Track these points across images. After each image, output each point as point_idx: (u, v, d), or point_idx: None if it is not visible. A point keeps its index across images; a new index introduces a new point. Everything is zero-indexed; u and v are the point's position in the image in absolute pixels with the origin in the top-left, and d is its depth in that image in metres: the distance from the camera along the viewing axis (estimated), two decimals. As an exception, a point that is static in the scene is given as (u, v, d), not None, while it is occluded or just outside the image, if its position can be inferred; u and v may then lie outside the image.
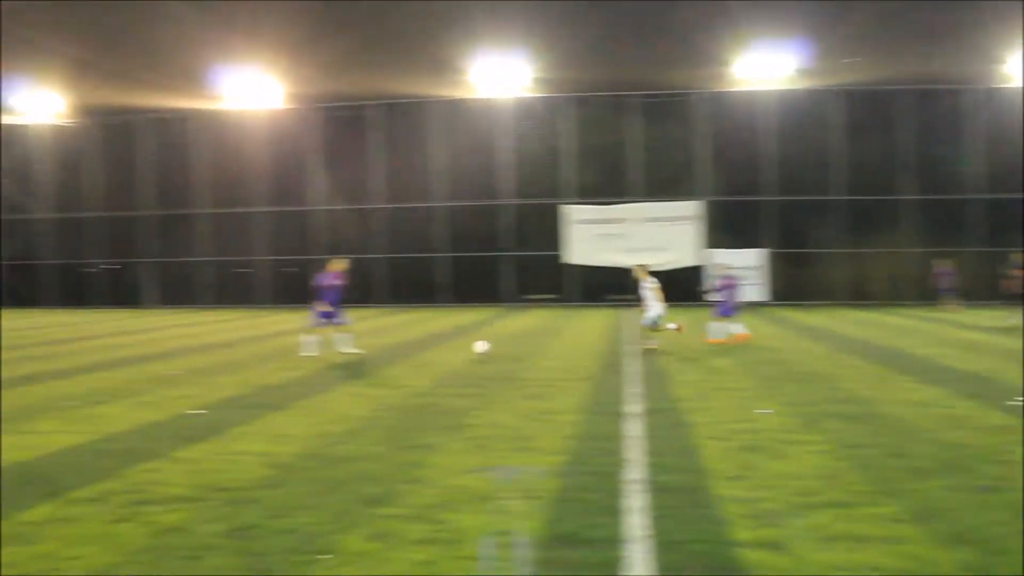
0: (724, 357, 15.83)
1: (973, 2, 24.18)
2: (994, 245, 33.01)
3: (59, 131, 40.06)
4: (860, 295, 34.91)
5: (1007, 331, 20.18)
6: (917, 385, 11.97)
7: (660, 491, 6.47)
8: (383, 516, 5.92)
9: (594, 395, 11.31)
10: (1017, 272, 23.26)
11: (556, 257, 36.37)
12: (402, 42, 28.70)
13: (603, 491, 6.50)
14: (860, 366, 14.38)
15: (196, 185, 39.21)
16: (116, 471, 7.25)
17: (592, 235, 35.98)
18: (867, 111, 35.28)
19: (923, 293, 32.87)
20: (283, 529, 5.62)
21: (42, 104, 37.10)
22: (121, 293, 40.17)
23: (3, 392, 12.07)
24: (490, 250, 36.87)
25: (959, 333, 20.09)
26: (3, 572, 5.06)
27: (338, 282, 16.29)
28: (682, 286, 34.53)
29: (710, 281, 20.48)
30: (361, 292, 36.14)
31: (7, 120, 39.04)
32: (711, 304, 20.29)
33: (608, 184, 36.41)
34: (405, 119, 37.34)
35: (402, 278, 37.53)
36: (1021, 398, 10.64)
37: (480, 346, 15.86)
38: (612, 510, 6.01)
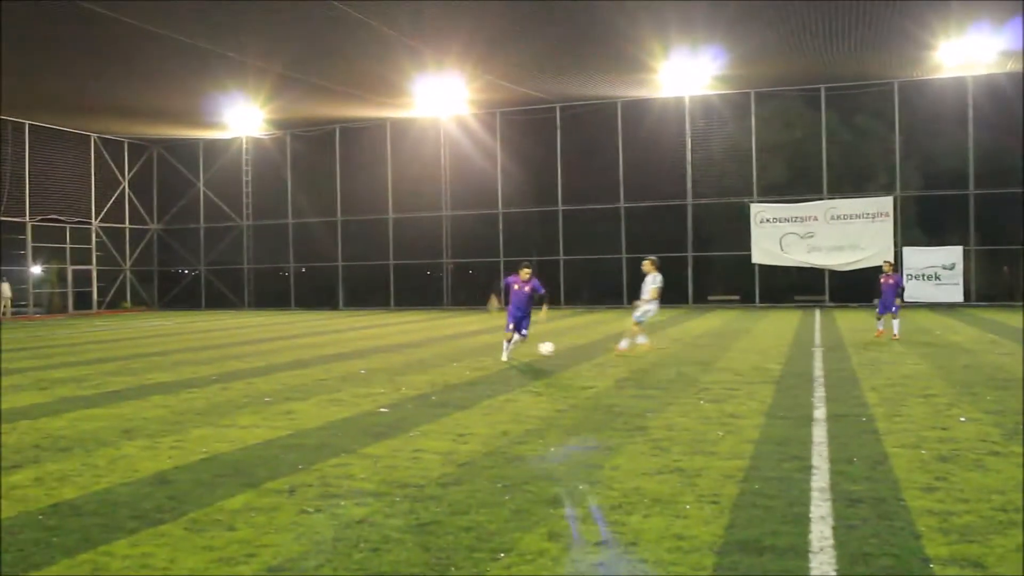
0: (919, 362, 15.06)
1: None
2: None
3: (259, 143, 42.72)
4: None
5: None
6: None
7: (847, 501, 6.24)
8: (561, 516, 5.98)
9: (778, 399, 11.02)
10: None
11: (742, 257, 35.63)
12: (587, 43, 28.82)
13: (787, 498, 6.33)
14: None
15: (387, 191, 40.88)
16: (308, 465, 7.65)
17: (779, 234, 35.02)
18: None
19: None
20: (463, 526, 5.77)
21: (246, 118, 39.53)
22: (317, 295, 42.35)
23: (205, 389, 12.94)
24: (674, 250, 36.54)
25: None
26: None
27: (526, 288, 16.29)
28: (874, 286, 33.28)
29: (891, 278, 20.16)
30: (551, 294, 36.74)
31: (216, 135, 41.96)
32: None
33: (797, 181, 35.37)
34: (589, 121, 37.57)
35: (585, 280, 37.93)
36: None
37: (545, 348, 15.72)
38: (796, 518, 5.84)
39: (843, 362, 15.12)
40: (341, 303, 41.75)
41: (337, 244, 41.87)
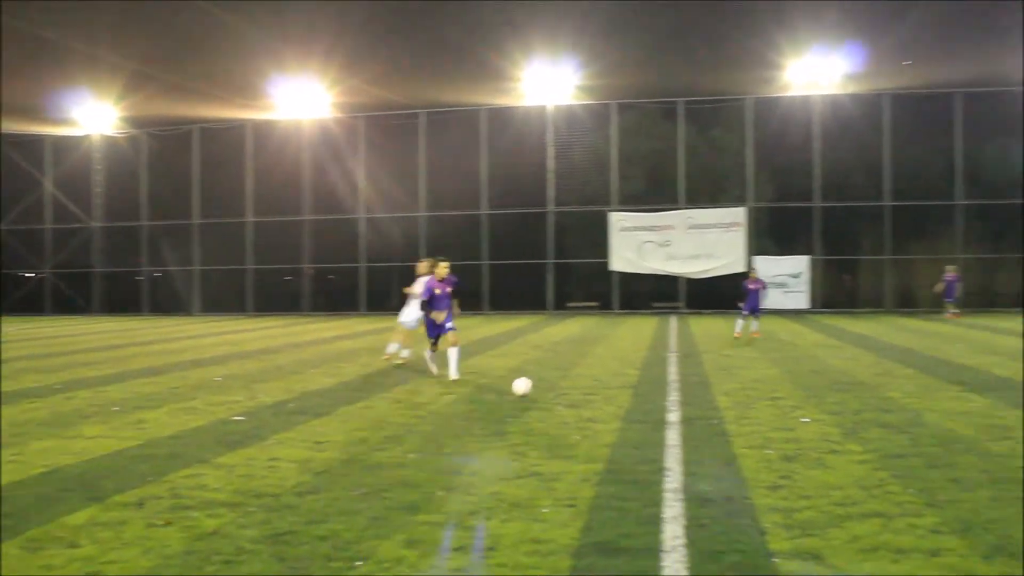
0: (768, 367, 15.70)
1: None
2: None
3: (112, 142, 41.01)
4: (907, 302, 34.48)
5: None
6: (963, 394, 11.78)
7: (698, 501, 6.44)
8: (419, 523, 5.96)
9: (634, 403, 11.29)
10: None
11: (600, 265, 36.34)
12: (450, 50, 28.88)
13: (641, 500, 6.48)
14: (905, 374, 14.18)
15: (244, 193, 39.88)
16: (158, 476, 7.38)
17: (637, 243, 35.91)
18: (916, 115, 34.86)
19: (973, 300, 32.49)
20: (320, 535, 5.68)
21: (96, 116, 37.84)
22: (168, 301, 40.90)
23: (49, 398, 12.32)
24: (533, 258, 36.96)
25: (1007, 341, 19.71)
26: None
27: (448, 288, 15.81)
28: (727, 293, 34.53)
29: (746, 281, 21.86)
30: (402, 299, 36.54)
31: (64, 132, 40.03)
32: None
33: (654, 191, 36.38)
34: (453, 127, 37.64)
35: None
36: (1072, 408, 10.45)
37: (520, 385, 11.87)
38: (650, 519, 5.99)
39: (697, 367, 15.61)
40: (196, 309, 40.45)
41: (193, 247, 40.54)
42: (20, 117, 37.54)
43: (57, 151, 42.17)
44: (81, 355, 19.63)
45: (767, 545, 5.40)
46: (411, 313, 16.12)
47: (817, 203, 35.35)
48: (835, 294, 35.91)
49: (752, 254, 34.92)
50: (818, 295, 35.17)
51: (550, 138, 36.90)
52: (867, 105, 34.85)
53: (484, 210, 37.45)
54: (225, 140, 39.93)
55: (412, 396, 12.20)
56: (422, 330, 14.89)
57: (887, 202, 35.05)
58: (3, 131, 39.76)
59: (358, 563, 5.14)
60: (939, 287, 30.73)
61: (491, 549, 5.38)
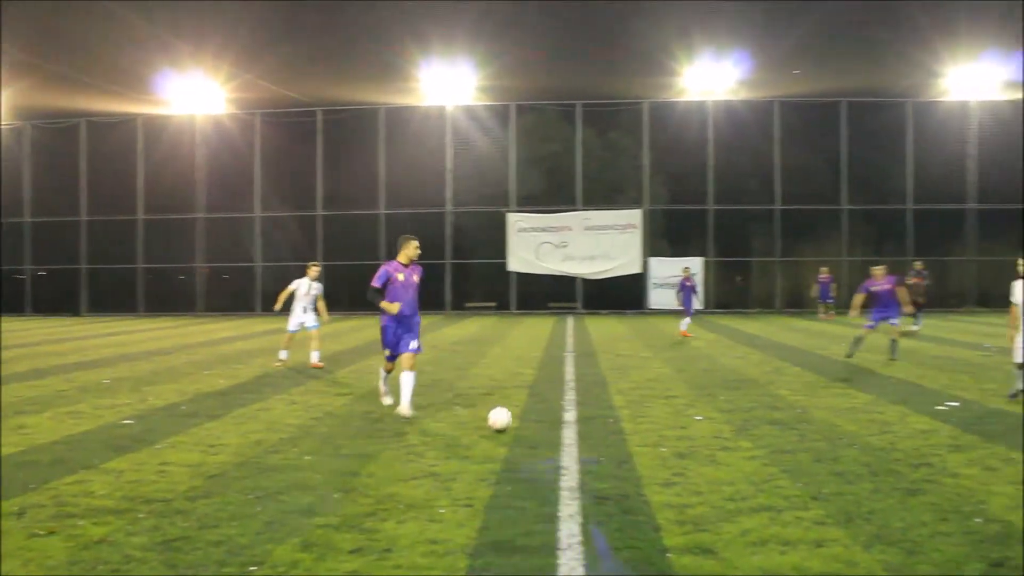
0: (662, 366, 15.99)
1: (912, 18, 24.79)
2: (930, 254, 34.04)
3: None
4: (797, 303, 35.58)
5: (913, 336, 21.12)
6: (848, 391, 12.21)
7: (594, 499, 6.51)
8: (315, 526, 5.87)
9: (531, 403, 11.35)
10: (915, 280, 24.11)
11: (498, 265, 36.46)
12: (348, 48, 28.59)
13: (538, 499, 6.52)
14: (794, 373, 14.63)
15: (136, 191, 38.65)
16: (40, 483, 7.07)
17: (535, 243, 36.16)
18: (805, 122, 36.09)
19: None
20: (213, 541, 5.54)
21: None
22: (54, 300, 39.34)
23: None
24: (431, 258, 36.83)
25: (884, 340, 20.50)
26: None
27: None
28: (624, 294, 35.09)
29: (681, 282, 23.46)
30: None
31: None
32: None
33: (552, 192, 36.69)
34: (352, 126, 37.24)
35: (341, 286, 37.36)
36: (948, 403, 10.94)
37: (499, 419, 9.25)
38: (547, 517, 6.03)
39: (593, 367, 15.79)
40: (84, 309, 39.02)
41: (81, 245, 39.08)
42: None
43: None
44: (-44, 357, 18.73)
45: (661, 541, 5.50)
46: (295, 319, 15.93)
47: (711, 206, 36.21)
48: (727, 295, 36.85)
49: (648, 256, 35.56)
50: (711, 296, 36.00)
51: (449, 138, 36.86)
52: (759, 111, 35.90)
53: (383, 209, 37.16)
54: (114, 134, 38.61)
55: (308, 397, 12.02)
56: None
57: (777, 206, 36.16)
58: None
59: (252, 568, 5.03)
60: (814, 289, 31.76)
61: (387, 551, 5.34)
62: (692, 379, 13.85)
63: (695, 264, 35.65)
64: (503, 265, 36.38)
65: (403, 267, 10.48)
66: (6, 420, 10.22)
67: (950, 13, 24.25)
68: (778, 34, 26.18)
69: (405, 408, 10.26)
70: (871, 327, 16.60)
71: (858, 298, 16.89)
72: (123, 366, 16.49)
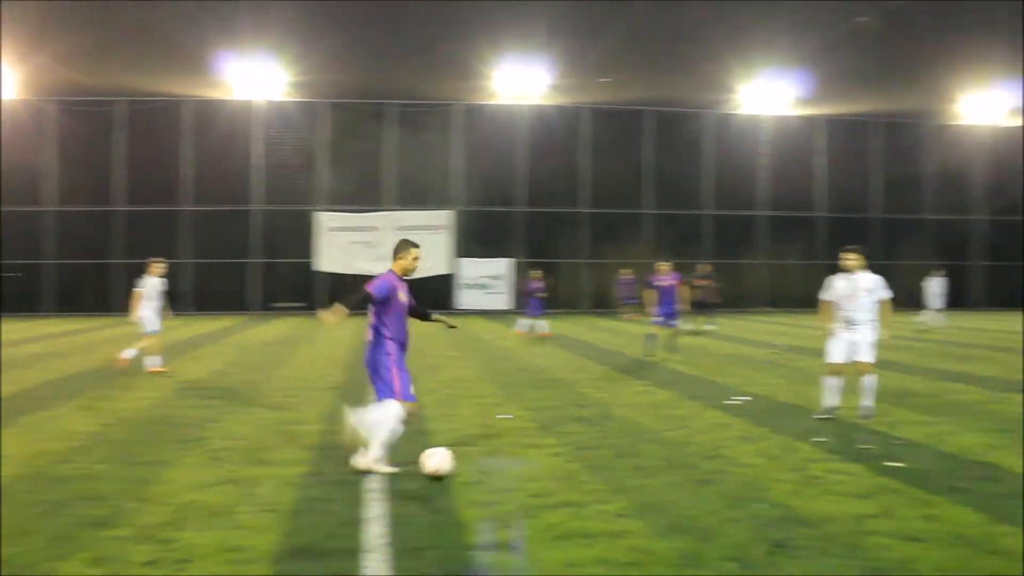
0: (471, 366, 16.12)
1: (708, 36, 26.11)
2: (726, 257, 36.08)
3: None
4: (603, 304, 36.70)
5: (705, 335, 22.44)
6: (648, 388, 12.72)
7: (401, 499, 6.48)
8: (107, 539, 5.56)
9: (339, 405, 11.17)
10: (702, 281, 25.54)
11: (307, 265, 35.77)
12: (150, 37, 27.28)
13: (344, 501, 6.43)
14: (598, 371, 15.10)
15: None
16: None
17: (344, 243, 35.68)
18: (612, 128, 37.41)
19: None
20: (-13, 558, 5.16)
21: None
22: None
23: None
24: (237, 257, 35.74)
25: (684, 340, 21.52)
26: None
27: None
28: (434, 295, 35.16)
29: (525, 283, 23.99)
30: (95, 300, 34.08)
31: None
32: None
33: (363, 192, 36.32)
34: (154, 118, 35.50)
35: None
36: (740, 398, 11.58)
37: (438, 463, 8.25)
38: (353, 520, 5.95)
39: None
40: None
41: None
42: None
43: None
44: None
45: (468, 539, 5.54)
46: (152, 319, 14.85)
47: (521, 208, 36.89)
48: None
49: (458, 256, 35.81)
50: (520, 297, 36.64)
51: (258, 134, 35.83)
52: (569, 117, 36.89)
53: (187, 206, 35.67)
54: None
55: (102, 402, 11.36)
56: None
57: (584, 209, 37.26)
58: None
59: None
60: (616, 289, 32.85)
61: (185, 561, 5.12)
62: (500, 378, 14.04)
63: (504, 265, 36.26)
64: (311, 264, 35.70)
65: (402, 282, 8.06)
66: None
67: (742, 31, 25.67)
68: (587, 42, 26.96)
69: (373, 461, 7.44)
70: (660, 323, 17.41)
71: (648, 294, 17.70)
72: None
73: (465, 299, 35.85)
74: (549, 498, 6.52)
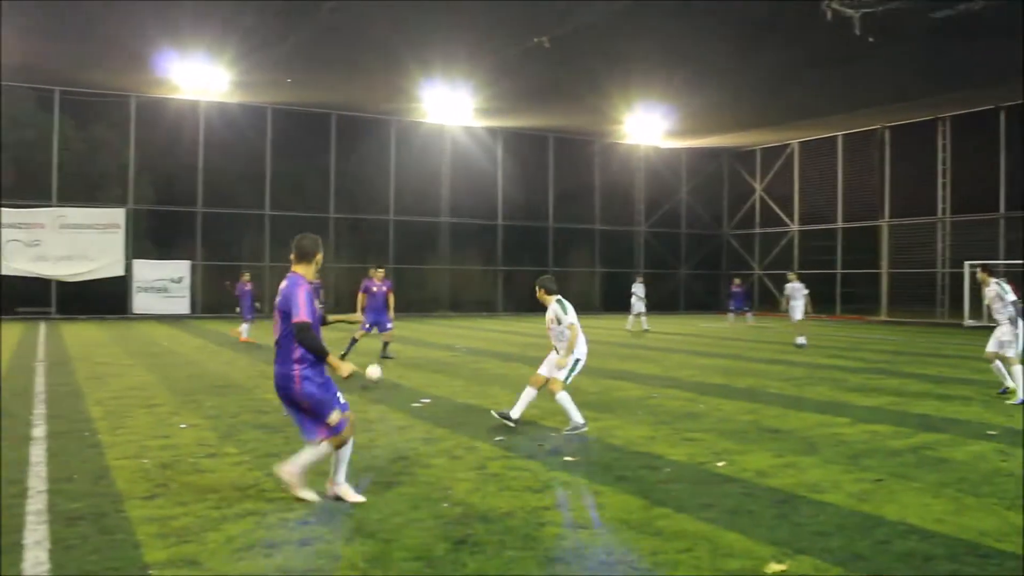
0: (144, 373, 15.30)
1: (391, 42, 26.36)
2: (409, 263, 36.65)
3: None
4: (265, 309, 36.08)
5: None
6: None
7: (66, 520, 6.02)
8: None
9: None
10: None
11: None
12: None
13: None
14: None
15: None
16: None
17: (3, 241, 32.28)
18: (298, 129, 36.92)
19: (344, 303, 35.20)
20: None
21: None
22: None
23: None
24: None
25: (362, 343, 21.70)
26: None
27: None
28: (106, 297, 32.94)
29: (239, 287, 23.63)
30: None
31: None
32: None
33: (23, 186, 33.00)
34: None
35: None
36: (422, 400, 11.86)
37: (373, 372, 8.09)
38: (10, 547, 5.44)
39: (68, 376, 14.61)
40: None
41: None
42: None
43: None
44: None
45: (142, 557, 5.26)
46: None
47: (200, 208, 35.36)
48: (217, 299, 36.17)
49: (131, 258, 33.71)
50: (199, 300, 35.20)
51: None
52: (253, 116, 35.85)
53: None
54: None
55: None
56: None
57: (268, 211, 36.41)
58: None
59: None
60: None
61: None
62: (176, 386, 13.42)
63: (182, 268, 34.64)
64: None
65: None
66: None
67: (424, 40, 26.23)
68: (272, 41, 26.30)
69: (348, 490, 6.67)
70: (367, 330, 17.45)
71: (362, 298, 17.64)
72: None
73: (141, 303, 33.77)
74: (229, 509, 6.34)
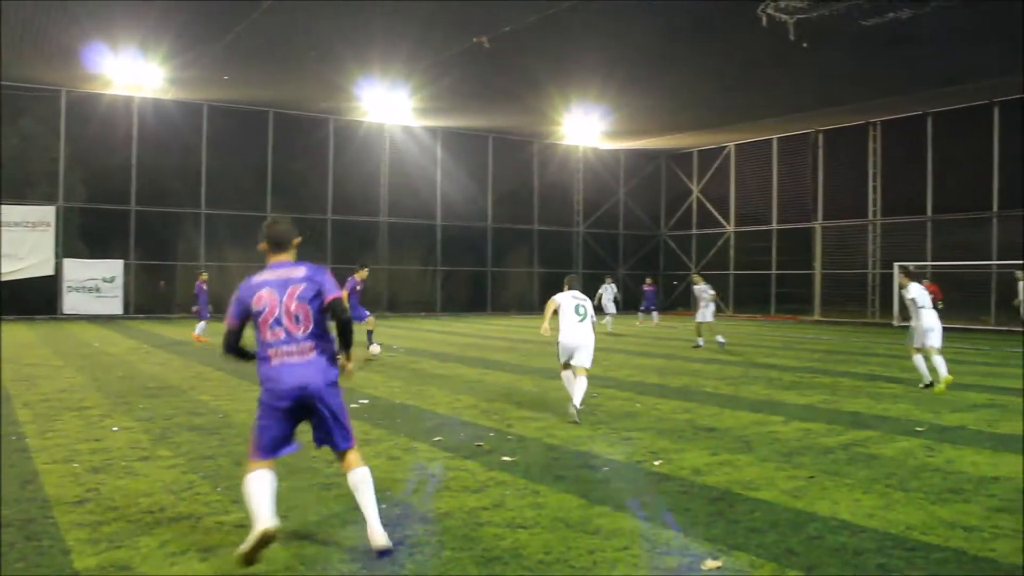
0: (75, 375, 14.96)
1: (330, 41, 26.12)
2: (348, 262, 36.41)
3: None
4: (219, 308, 35.58)
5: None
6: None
7: (-9, 525, 5.87)
8: None
9: None
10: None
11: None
12: None
13: (-81, 532, 5.70)
14: (217, 377, 14.64)
15: None
16: None
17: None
18: (234, 127, 36.38)
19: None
20: None
21: None
22: None
23: None
24: None
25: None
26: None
27: None
28: (35, 297, 32.16)
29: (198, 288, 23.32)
30: None
31: None
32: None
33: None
34: None
35: None
36: (360, 401, 11.77)
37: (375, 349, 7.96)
38: (-71, 553, 5.29)
39: (-6, 378, 14.23)
40: None
41: None
42: None
43: None
44: None
45: (72, 564, 5.14)
46: None
47: (133, 207, 34.68)
48: (150, 299, 35.54)
49: (62, 257, 32.93)
50: (132, 300, 34.52)
51: None
52: (188, 113, 35.27)
53: None
54: None
55: None
56: None
57: (203, 209, 35.86)
58: None
59: None
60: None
61: None
62: (108, 388, 13.15)
63: (115, 267, 33.94)
64: None
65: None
66: None
67: (363, 39, 26.05)
68: (208, 38, 25.89)
69: (378, 536, 5.41)
70: None
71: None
72: None
73: (72, 303, 33.00)
74: (163, 513, 6.23)
